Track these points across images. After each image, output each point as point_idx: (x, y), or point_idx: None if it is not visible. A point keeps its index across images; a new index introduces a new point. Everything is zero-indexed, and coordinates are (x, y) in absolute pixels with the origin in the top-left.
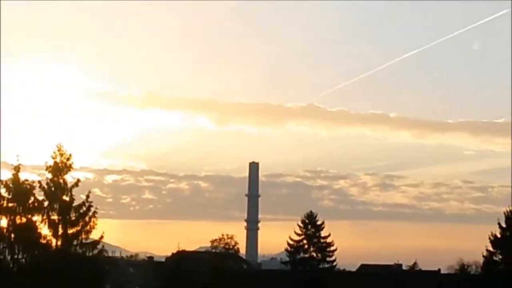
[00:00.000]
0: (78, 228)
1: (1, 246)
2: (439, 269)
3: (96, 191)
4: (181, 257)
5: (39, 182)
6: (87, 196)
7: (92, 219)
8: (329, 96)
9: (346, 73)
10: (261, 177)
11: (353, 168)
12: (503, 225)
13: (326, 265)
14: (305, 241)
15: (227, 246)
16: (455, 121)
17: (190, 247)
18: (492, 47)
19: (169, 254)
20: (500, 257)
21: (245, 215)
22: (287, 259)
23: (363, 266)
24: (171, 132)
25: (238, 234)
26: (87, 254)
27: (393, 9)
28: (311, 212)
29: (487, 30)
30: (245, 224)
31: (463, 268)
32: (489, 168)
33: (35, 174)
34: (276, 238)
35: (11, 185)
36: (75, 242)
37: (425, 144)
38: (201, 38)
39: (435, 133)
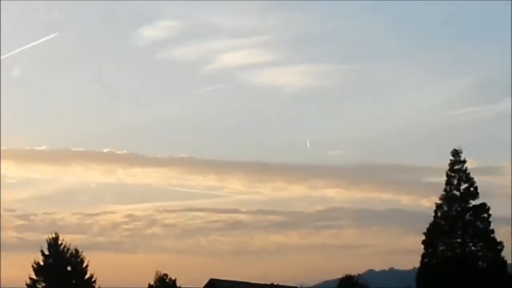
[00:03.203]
0: None
1: None
2: None
3: None
4: None
5: None
6: None
7: None
8: None
9: None
10: None
11: None
12: (46, 252)
13: None
14: None
15: None
16: None
17: None
18: (33, 73)
19: None
20: (43, 284)
21: None
22: None
23: None
24: None
25: None
26: None
27: None
28: None
29: (28, 55)
30: None
31: None
32: (32, 195)
33: None
34: None
35: None
36: None
37: None
38: None
39: None
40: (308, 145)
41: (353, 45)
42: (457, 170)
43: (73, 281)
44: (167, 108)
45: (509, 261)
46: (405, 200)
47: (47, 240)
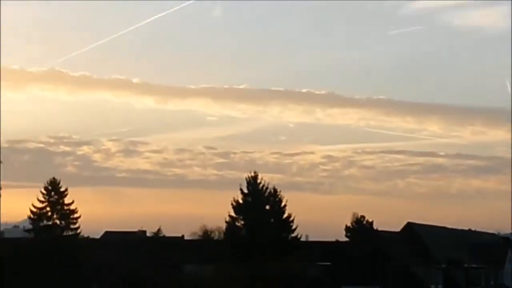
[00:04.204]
0: None
1: None
2: (183, 235)
3: None
4: None
5: None
6: None
7: None
8: (71, 61)
9: (89, 37)
10: (2, 143)
11: (97, 134)
12: (245, 190)
13: (70, 232)
14: (48, 208)
15: None
16: (197, 86)
17: None
18: (232, 13)
19: None
20: (242, 222)
21: None
22: (30, 227)
23: (107, 233)
24: None
25: None
26: None
27: None
28: (54, 178)
29: None
30: None
31: (206, 234)
32: (231, 134)
33: None
34: (19, 205)
35: None
36: None
37: (168, 110)
38: None
39: (177, 99)
40: (509, 89)
41: None
42: None
43: (271, 220)
44: (365, 48)
45: None
46: None
47: (246, 179)
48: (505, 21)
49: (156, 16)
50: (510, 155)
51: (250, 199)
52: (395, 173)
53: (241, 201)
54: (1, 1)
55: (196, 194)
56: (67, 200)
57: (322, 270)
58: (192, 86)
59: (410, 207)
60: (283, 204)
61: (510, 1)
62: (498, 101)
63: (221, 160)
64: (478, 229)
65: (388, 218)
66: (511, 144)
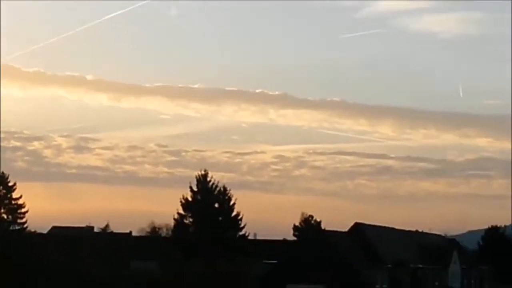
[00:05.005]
0: None
1: None
2: (131, 232)
3: None
4: None
5: None
6: None
7: None
8: (24, 56)
9: (43, 33)
10: None
11: (48, 129)
12: (195, 188)
13: (17, 227)
14: None
15: None
16: (152, 85)
17: None
18: (190, 13)
19: None
20: (190, 219)
21: None
22: None
23: (54, 228)
24: None
25: None
26: None
27: None
28: (3, 173)
29: None
30: None
31: (154, 231)
32: (184, 132)
33: None
34: None
35: None
36: None
37: (121, 107)
38: None
39: (131, 97)
40: (461, 94)
41: None
42: None
43: (220, 218)
44: (320, 51)
45: None
46: None
47: (196, 177)
48: (459, 27)
49: (109, 15)
50: (459, 159)
51: (199, 197)
52: (345, 174)
53: (190, 199)
54: None
55: (146, 191)
56: (15, 194)
57: (269, 268)
58: (147, 85)
59: (359, 208)
60: (232, 202)
61: (463, 8)
62: (451, 105)
63: (173, 158)
64: (425, 231)
65: (336, 218)
66: (461, 148)
